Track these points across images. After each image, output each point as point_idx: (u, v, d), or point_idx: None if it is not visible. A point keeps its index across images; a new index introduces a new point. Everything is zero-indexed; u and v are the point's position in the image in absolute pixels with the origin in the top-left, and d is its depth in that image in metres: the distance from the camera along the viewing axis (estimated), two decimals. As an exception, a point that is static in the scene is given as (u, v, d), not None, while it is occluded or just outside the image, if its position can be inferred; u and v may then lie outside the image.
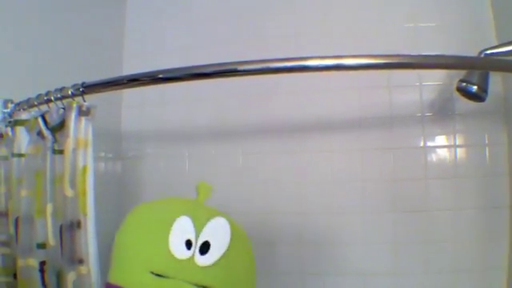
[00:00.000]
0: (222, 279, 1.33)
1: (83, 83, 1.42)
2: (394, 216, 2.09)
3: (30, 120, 1.52)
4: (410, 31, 2.16)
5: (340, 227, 2.09)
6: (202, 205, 1.51)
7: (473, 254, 2.02)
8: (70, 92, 1.44)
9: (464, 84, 1.73)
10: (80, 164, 1.42)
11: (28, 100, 1.55)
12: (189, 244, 1.31)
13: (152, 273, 1.29)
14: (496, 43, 1.92)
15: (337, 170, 2.15)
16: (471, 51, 1.74)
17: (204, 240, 1.32)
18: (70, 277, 1.41)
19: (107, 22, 2.29)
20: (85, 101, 1.44)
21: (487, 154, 2.07)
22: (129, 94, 2.22)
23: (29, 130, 1.53)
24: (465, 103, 1.94)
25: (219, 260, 1.32)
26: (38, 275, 1.48)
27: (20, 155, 1.53)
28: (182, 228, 1.33)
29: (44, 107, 1.52)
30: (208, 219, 1.36)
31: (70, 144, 1.42)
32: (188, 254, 1.30)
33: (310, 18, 2.27)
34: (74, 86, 1.43)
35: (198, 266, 1.30)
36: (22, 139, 1.55)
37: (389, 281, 2.06)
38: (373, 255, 2.08)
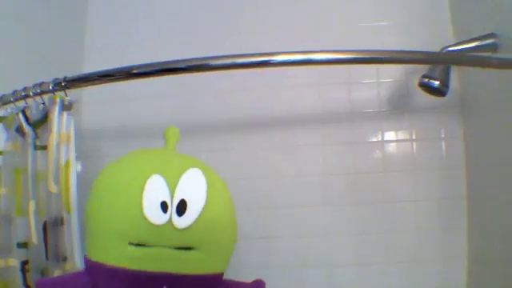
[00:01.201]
0: (204, 235, 1.26)
1: (65, 78, 1.40)
2: (355, 208, 2.13)
3: (8, 117, 1.49)
4: (368, 30, 2.21)
5: (303, 220, 2.14)
6: (173, 153, 1.43)
7: (432, 243, 2.09)
8: (51, 87, 1.42)
9: (426, 79, 1.78)
10: (63, 159, 1.41)
11: (2, 97, 1.52)
12: (164, 206, 1.22)
13: (131, 243, 1.21)
14: (454, 41, 1.97)
15: (299, 164, 2.17)
16: (429, 49, 1.77)
17: (180, 199, 1.24)
18: (55, 273, 1.40)
19: (68, 15, 2.23)
20: (67, 95, 1.44)
21: (444, 147, 2.13)
22: (89, 91, 2.13)
23: (6, 127, 1.49)
24: (421, 99, 2.03)
25: (198, 217, 1.24)
26: (19, 275, 1.44)
27: (-2, 153, 1.45)
28: (155, 189, 1.23)
29: (21, 103, 1.50)
30: (181, 173, 1.27)
31: (53, 139, 1.40)
32: (165, 217, 1.21)
33: (273, 16, 2.30)
34: (56, 80, 1.41)
35: (178, 229, 1.22)
36: (0, 137, 1.49)
37: (352, 271, 2.10)
38: (336, 247, 2.12)
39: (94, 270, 1.25)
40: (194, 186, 1.27)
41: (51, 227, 1.40)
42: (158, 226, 1.20)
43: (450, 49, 1.75)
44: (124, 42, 2.33)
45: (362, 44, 2.06)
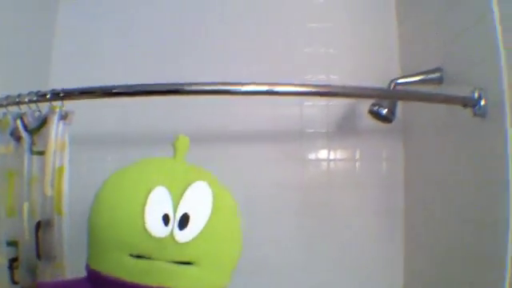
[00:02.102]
0: (206, 251, 1.21)
1: (63, 89, 1.48)
2: (304, 220, 2.26)
3: (2, 120, 1.56)
4: (320, 55, 2.36)
5: (253, 231, 2.14)
6: (181, 163, 1.36)
7: (373, 253, 2.25)
8: (48, 96, 1.49)
9: (376, 108, 1.91)
10: (57, 165, 1.49)
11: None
12: (166, 219, 1.17)
13: (131, 255, 1.16)
14: (401, 73, 2.19)
15: (252, 177, 2.27)
16: (377, 76, 2.05)
17: (183, 212, 1.18)
18: (46, 272, 1.46)
19: (37, 24, 2.20)
20: (63, 106, 1.52)
21: (385, 167, 2.32)
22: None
23: (1, 131, 1.55)
24: (366, 122, 2.17)
25: (201, 232, 1.19)
26: (6, 272, 1.50)
27: (-10, 155, 1.55)
28: (158, 201, 1.18)
29: (12, 108, 1.55)
30: (186, 186, 1.22)
31: (51, 146, 1.48)
32: (166, 231, 1.16)
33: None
34: (53, 91, 1.49)
35: (178, 243, 1.16)
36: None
37: (300, 277, 2.22)
38: (285, 255, 2.24)
39: (94, 278, 1.22)
40: (198, 200, 1.22)
41: (44, 228, 1.47)
42: (158, 239, 1.15)
43: (399, 81, 1.87)
44: (90, 55, 2.34)
45: (310, 71, 2.31)
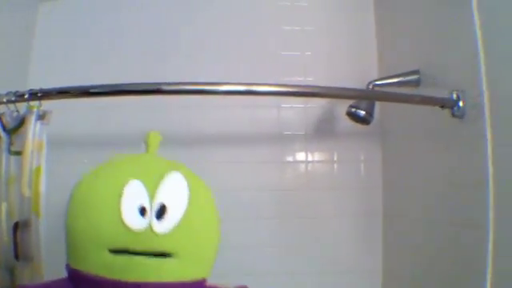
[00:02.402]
0: (185, 242, 1.19)
1: (41, 89, 1.47)
2: (281, 222, 2.26)
3: None
4: (297, 58, 2.36)
5: (231, 232, 2.12)
6: (154, 158, 1.36)
7: (351, 256, 2.26)
8: (26, 96, 1.47)
9: (354, 109, 1.93)
10: (34, 166, 1.48)
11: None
12: (143, 211, 1.15)
13: (110, 250, 1.14)
14: (379, 75, 2.20)
15: (229, 179, 2.25)
16: (355, 78, 2.03)
17: (159, 203, 1.16)
18: (24, 273, 1.45)
19: (16, 25, 2.16)
20: (41, 106, 1.50)
21: (363, 169, 2.33)
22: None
23: None
24: (344, 124, 2.17)
25: (179, 222, 1.17)
26: None
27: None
28: (134, 194, 1.16)
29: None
30: (161, 177, 1.21)
31: (29, 146, 1.47)
32: (144, 223, 1.14)
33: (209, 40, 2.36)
34: (31, 90, 1.47)
35: (157, 234, 1.14)
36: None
37: (277, 280, 2.20)
38: (263, 257, 2.24)
39: (74, 277, 1.19)
40: (174, 191, 1.21)
41: (21, 228, 1.46)
42: (136, 231, 1.13)
43: (377, 82, 1.88)
44: (70, 56, 2.30)
45: (287, 74, 2.29)
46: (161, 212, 1.15)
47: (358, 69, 2.28)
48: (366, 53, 2.34)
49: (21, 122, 1.52)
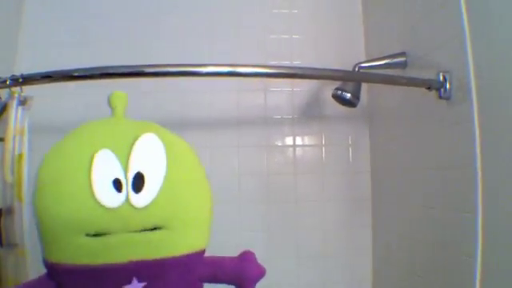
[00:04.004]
0: (171, 210, 1.07)
1: (22, 74, 1.42)
2: (267, 206, 2.23)
3: None
4: (284, 42, 2.31)
5: (219, 216, 2.09)
6: (121, 121, 1.20)
7: (339, 240, 2.24)
8: (8, 82, 1.42)
9: (339, 92, 1.90)
10: (16, 152, 1.45)
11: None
12: (118, 184, 1.02)
13: (87, 234, 1.01)
14: (366, 57, 2.18)
15: (216, 164, 2.23)
16: (342, 61, 1.96)
17: (135, 172, 1.04)
18: (9, 260, 1.42)
19: (2, 12, 2.10)
20: (22, 91, 1.46)
21: (351, 153, 2.30)
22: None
23: None
24: (331, 108, 2.16)
25: (160, 191, 1.04)
26: None
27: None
28: (104, 166, 1.02)
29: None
30: (133, 142, 1.07)
31: (11, 132, 1.44)
32: (121, 197, 1.01)
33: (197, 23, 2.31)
34: (13, 76, 1.42)
35: (138, 209, 1.02)
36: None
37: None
38: (249, 242, 2.14)
39: (54, 271, 1.06)
40: (149, 155, 1.07)
41: (5, 215, 1.44)
42: (114, 209, 1.00)
43: (363, 65, 1.90)
44: (57, 43, 2.23)
45: (275, 55, 2.25)
46: (138, 183, 1.03)
47: (345, 52, 2.27)
48: (353, 36, 2.33)
49: (2, 109, 1.49)
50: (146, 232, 1.04)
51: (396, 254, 1.98)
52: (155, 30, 2.27)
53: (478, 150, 1.37)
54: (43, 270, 1.13)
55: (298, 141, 2.28)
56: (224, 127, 2.27)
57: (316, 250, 2.21)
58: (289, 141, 2.28)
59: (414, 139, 1.80)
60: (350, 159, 2.28)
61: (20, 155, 1.46)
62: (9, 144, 1.44)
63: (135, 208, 1.02)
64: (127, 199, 1.01)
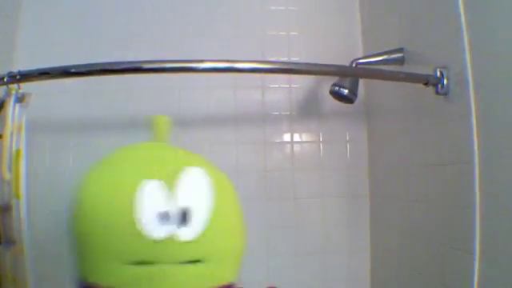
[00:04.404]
0: (213, 246, 1.07)
1: (19, 71, 1.43)
2: (265, 203, 2.23)
3: None
4: (282, 38, 2.31)
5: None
6: (166, 148, 1.22)
7: (338, 237, 2.24)
8: (5, 79, 1.43)
9: (337, 88, 1.89)
10: (14, 148, 1.45)
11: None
12: (163, 217, 1.01)
13: (130, 263, 1.01)
14: (363, 53, 2.19)
15: (213, 160, 2.10)
16: (340, 58, 1.93)
17: (181, 207, 1.02)
18: (7, 256, 1.42)
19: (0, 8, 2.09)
20: (20, 88, 1.46)
21: (348, 149, 2.30)
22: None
23: None
24: (329, 104, 2.16)
25: (205, 226, 1.04)
26: None
27: None
28: (150, 198, 1.01)
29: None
30: (179, 174, 1.05)
31: (8, 129, 1.44)
32: (166, 230, 1.00)
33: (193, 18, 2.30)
34: (10, 73, 1.44)
35: (182, 242, 1.02)
36: None
37: (262, 262, 2.18)
38: (248, 238, 2.09)
39: None
40: (197, 190, 1.07)
41: (3, 212, 1.43)
42: (158, 241, 0.99)
43: (360, 61, 1.88)
44: (56, 41, 2.22)
45: (273, 52, 2.24)
46: (185, 216, 1.02)
47: (343, 49, 2.26)
48: (350, 32, 2.32)
49: (0, 106, 1.49)
50: (187, 264, 1.04)
51: (394, 250, 1.98)
52: (153, 26, 2.26)
53: (475, 146, 1.37)
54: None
55: (296, 137, 2.27)
56: (221, 124, 2.27)
57: (314, 246, 2.21)
58: (287, 137, 2.27)
59: (412, 135, 1.80)
60: (348, 155, 2.27)
61: (18, 152, 1.46)
62: (6, 141, 1.44)
63: (180, 241, 1.01)
64: (173, 232, 1.01)
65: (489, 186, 1.34)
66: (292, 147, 2.27)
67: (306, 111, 2.28)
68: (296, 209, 2.22)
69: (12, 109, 1.45)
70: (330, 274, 2.20)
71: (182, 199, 1.03)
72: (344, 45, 2.29)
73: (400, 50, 1.81)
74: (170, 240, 1.00)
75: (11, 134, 1.45)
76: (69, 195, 1.09)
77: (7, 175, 1.42)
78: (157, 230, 0.99)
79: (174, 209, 1.01)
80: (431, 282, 1.65)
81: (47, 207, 1.90)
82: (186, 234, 1.01)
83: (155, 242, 0.99)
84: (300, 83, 2.26)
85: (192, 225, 1.02)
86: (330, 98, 1.94)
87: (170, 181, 1.04)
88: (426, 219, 1.69)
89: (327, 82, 1.99)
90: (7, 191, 1.44)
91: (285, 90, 2.27)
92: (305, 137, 2.28)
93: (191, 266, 1.04)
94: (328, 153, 2.27)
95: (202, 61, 1.43)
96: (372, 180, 2.22)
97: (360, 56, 2.07)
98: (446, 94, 1.51)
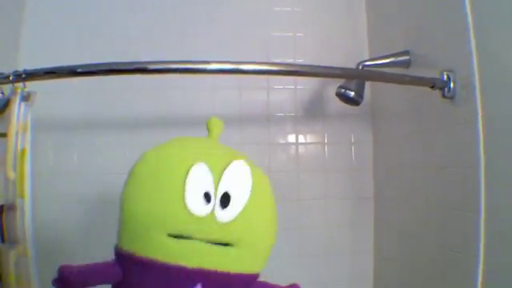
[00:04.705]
0: (246, 232, 1.16)
1: (25, 70, 1.42)
2: None
3: None
4: (288, 39, 2.29)
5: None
6: (217, 144, 1.34)
7: (342, 239, 2.24)
8: (11, 78, 1.42)
9: (343, 90, 1.89)
10: (19, 147, 1.46)
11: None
12: (207, 197, 1.12)
13: (170, 234, 1.10)
14: (369, 55, 2.18)
15: None
16: (346, 60, 1.93)
17: (224, 191, 1.13)
18: (11, 256, 1.42)
19: (5, 7, 2.07)
20: (25, 87, 1.47)
21: (353, 151, 2.29)
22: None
23: None
24: (334, 106, 2.16)
25: (241, 212, 1.14)
26: None
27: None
28: (199, 178, 1.12)
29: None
30: (226, 164, 1.17)
31: (13, 128, 1.44)
32: (207, 209, 1.11)
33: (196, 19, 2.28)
34: (15, 72, 1.43)
35: (219, 223, 1.12)
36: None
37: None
38: None
39: (126, 260, 1.15)
40: (238, 178, 1.17)
41: (7, 212, 1.45)
42: (199, 218, 1.10)
43: (367, 63, 1.88)
44: (60, 39, 2.21)
45: (278, 53, 2.23)
46: (225, 200, 1.13)
47: (349, 51, 2.25)
48: (356, 34, 2.31)
49: (5, 105, 1.50)
50: (219, 245, 1.13)
51: (398, 253, 1.98)
52: (158, 27, 2.24)
53: (481, 150, 1.37)
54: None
55: (301, 139, 2.27)
56: (226, 125, 2.18)
57: (318, 247, 2.20)
58: (291, 139, 2.27)
59: (418, 138, 1.80)
60: (353, 157, 2.27)
61: (23, 151, 1.47)
62: (11, 140, 1.44)
63: (218, 222, 1.12)
64: (213, 212, 1.11)
65: (494, 190, 1.34)
66: (297, 148, 2.26)
67: (311, 112, 2.27)
68: (299, 210, 2.21)
69: (17, 107, 1.45)
70: (332, 276, 2.19)
71: (225, 185, 1.13)
72: (350, 46, 2.28)
73: (406, 53, 1.81)
74: (210, 219, 1.11)
75: (16, 133, 1.45)
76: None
77: (12, 174, 1.42)
78: (199, 208, 1.10)
79: (217, 192, 1.12)
80: (435, 286, 1.64)
81: (51, 206, 1.91)
82: (224, 215, 1.12)
83: (197, 217, 1.10)
84: (305, 84, 2.25)
85: (230, 209, 1.13)
86: (336, 99, 1.94)
87: (217, 168, 1.15)
88: (430, 222, 1.69)
89: (332, 84, 2.01)
90: (11, 191, 1.44)
91: (290, 91, 2.26)
92: (309, 138, 2.27)
93: (224, 248, 1.13)
94: (333, 154, 2.26)
95: (208, 62, 1.43)
96: (376, 182, 2.22)
97: (366, 58, 2.09)
98: (452, 98, 1.51)
